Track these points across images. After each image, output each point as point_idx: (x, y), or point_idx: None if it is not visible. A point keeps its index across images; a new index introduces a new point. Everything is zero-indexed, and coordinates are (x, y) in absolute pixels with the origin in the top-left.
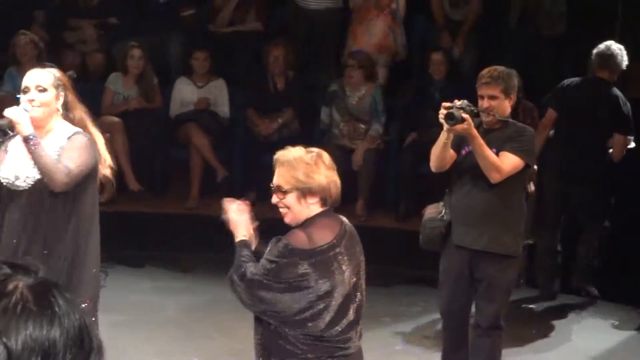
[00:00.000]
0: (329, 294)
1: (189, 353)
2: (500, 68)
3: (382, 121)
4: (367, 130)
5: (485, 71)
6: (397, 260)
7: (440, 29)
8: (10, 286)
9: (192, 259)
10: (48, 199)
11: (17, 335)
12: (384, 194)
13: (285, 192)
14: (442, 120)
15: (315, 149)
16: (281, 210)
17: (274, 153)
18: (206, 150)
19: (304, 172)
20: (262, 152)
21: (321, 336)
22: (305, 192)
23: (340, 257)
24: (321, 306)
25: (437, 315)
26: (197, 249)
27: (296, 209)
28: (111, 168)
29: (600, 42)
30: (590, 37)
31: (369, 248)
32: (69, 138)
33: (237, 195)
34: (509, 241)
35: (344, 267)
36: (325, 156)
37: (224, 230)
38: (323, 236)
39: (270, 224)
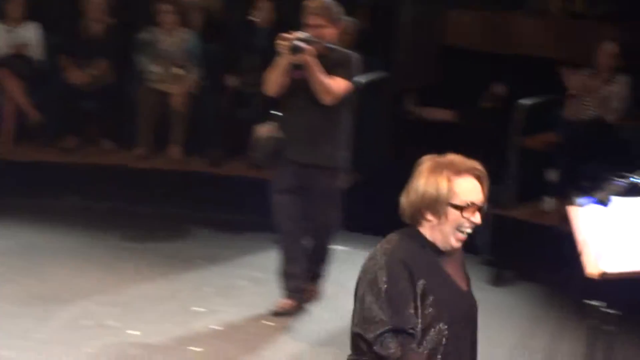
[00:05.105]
0: None
1: None
2: None
3: (199, 65)
4: (182, 75)
5: (310, 1)
6: (208, 204)
7: None
8: None
9: (2, 204)
10: None
11: None
12: (199, 139)
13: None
14: (283, 51)
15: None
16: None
17: (91, 100)
18: (19, 95)
19: None
20: (79, 98)
21: None
22: None
23: None
24: None
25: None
26: (7, 194)
27: None
28: None
29: None
30: None
31: (185, 192)
32: None
33: (53, 139)
34: (337, 155)
35: None
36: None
37: (34, 177)
38: None
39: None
